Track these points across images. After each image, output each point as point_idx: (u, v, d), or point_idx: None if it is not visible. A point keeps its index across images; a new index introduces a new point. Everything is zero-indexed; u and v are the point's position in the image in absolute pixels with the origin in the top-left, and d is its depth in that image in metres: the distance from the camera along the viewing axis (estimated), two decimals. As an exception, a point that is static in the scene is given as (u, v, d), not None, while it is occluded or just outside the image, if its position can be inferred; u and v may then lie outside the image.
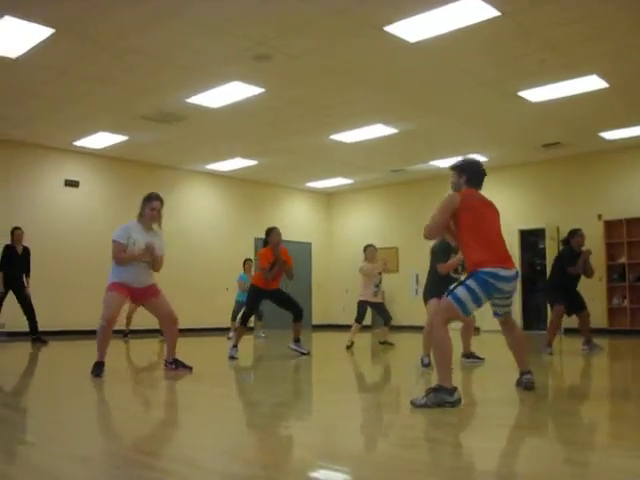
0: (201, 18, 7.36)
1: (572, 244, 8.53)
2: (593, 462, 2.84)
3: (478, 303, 4.31)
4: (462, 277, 5.15)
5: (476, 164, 4.79)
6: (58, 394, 5.06)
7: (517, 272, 4.47)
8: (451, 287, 4.41)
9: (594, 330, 8.78)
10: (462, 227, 4.48)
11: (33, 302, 10.43)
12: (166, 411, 4.45)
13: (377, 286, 9.76)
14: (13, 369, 7.24)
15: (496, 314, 4.69)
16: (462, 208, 4.45)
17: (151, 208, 6.02)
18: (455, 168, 4.76)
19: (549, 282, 8.98)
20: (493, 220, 4.60)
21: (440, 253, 6.51)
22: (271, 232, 8.18)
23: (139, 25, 7.54)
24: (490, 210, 4.63)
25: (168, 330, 6.25)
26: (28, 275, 10.44)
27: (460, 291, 4.27)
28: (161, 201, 6.12)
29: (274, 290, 8.17)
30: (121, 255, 5.87)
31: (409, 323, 14.58)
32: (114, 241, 5.88)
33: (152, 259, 6.00)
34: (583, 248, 8.51)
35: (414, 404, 4.04)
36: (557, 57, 8.40)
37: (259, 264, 8.25)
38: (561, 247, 8.91)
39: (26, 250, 10.52)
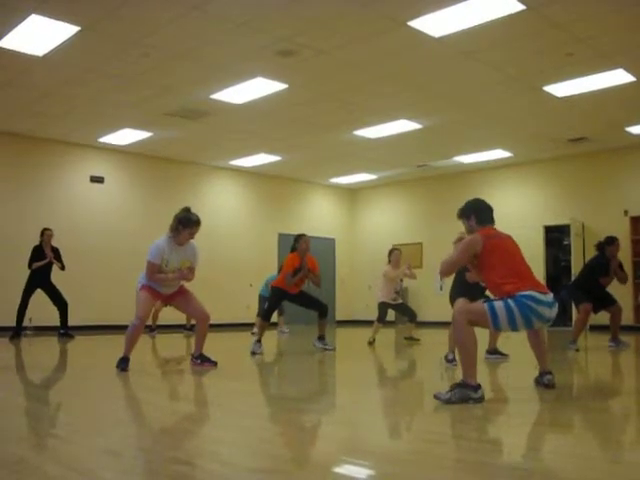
0: (224, 15, 7.39)
1: (606, 252, 8.37)
2: (622, 459, 2.81)
3: (513, 326, 4.21)
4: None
5: (479, 202, 4.76)
6: (86, 388, 5.12)
7: (555, 300, 4.34)
8: (492, 298, 4.34)
9: (620, 327, 8.66)
10: (490, 268, 4.42)
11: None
12: (191, 405, 4.49)
13: (397, 292, 9.75)
14: (41, 363, 7.33)
15: None
16: (486, 250, 4.40)
17: (190, 233, 5.98)
18: (461, 216, 4.73)
19: (575, 284, 8.85)
20: (517, 253, 4.55)
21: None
22: (300, 239, 8.13)
23: (163, 22, 7.59)
24: (512, 244, 4.59)
25: (199, 326, 6.30)
26: (63, 269, 10.58)
27: (498, 305, 4.19)
28: (200, 224, 6.06)
29: (295, 293, 8.20)
30: (155, 276, 5.91)
31: (434, 319, 14.53)
32: (149, 261, 5.88)
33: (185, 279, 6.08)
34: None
35: (438, 398, 4.03)
36: (583, 51, 8.30)
37: (284, 268, 8.24)
38: (595, 252, 8.61)
39: (55, 250, 10.59)
